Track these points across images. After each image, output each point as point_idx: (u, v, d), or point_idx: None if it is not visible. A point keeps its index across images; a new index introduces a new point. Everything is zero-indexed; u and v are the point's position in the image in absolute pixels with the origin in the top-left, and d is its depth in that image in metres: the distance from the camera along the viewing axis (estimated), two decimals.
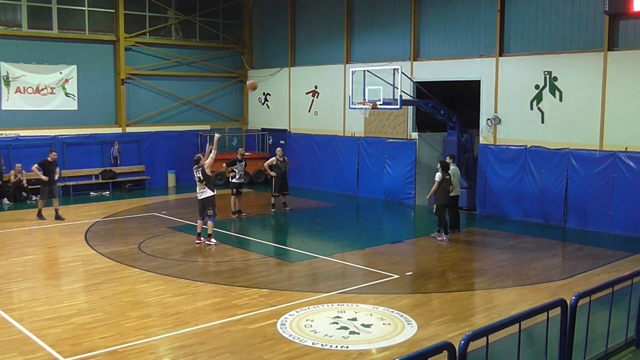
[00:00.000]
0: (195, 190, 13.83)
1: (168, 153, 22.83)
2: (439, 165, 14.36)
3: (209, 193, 13.46)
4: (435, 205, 14.17)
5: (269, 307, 9.49)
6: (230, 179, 16.84)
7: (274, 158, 17.45)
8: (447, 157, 15.34)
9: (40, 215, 16.31)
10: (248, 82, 16.20)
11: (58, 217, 16.36)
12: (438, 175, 14.00)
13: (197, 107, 24.06)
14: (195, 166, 13.62)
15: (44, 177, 15.98)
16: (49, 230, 15.28)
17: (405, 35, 19.39)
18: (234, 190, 16.78)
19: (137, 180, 22.32)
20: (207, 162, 13.39)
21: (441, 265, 12.43)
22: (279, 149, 17.95)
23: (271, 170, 17.48)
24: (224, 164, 17.02)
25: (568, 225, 15.84)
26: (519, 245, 13.87)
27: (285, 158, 17.74)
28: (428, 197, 14.54)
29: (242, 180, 16.97)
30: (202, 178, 13.47)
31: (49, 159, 16.29)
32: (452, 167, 14.89)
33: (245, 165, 17.22)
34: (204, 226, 13.74)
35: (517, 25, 16.79)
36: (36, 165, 16.11)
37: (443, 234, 14.19)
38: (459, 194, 15.16)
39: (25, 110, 20.23)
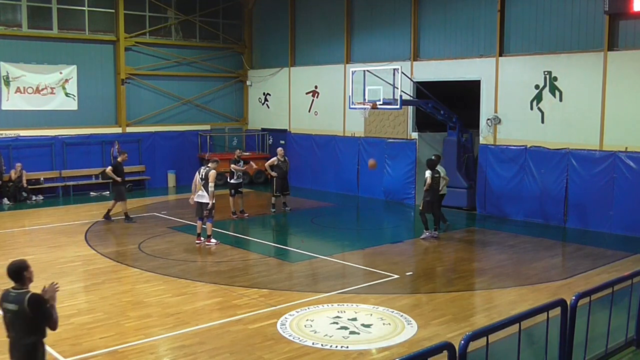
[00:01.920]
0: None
1: (168, 153, 22.82)
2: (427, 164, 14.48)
3: (206, 199, 13.48)
4: (423, 202, 14.23)
5: (269, 307, 9.49)
6: (228, 179, 16.81)
7: (275, 158, 17.44)
8: (433, 156, 15.48)
9: (107, 216, 16.25)
10: (370, 163, 16.41)
11: (129, 219, 16.22)
12: (428, 173, 14.09)
13: (197, 107, 24.05)
14: (204, 166, 13.67)
15: (118, 179, 15.96)
16: (49, 230, 15.28)
17: (405, 35, 19.39)
18: (232, 190, 16.76)
19: (137, 180, 22.31)
20: (212, 178, 13.39)
21: (441, 265, 12.43)
22: (280, 149, 17.94)
23: (272, 170, 17.48)
24: (232, 165, 16.79)
25: (568, 225, 15.84)
26: (519, 245, 13.87)
27: (286, 158, 17.73)
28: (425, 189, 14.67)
29: (241, 181, 16.91)
30: (203, 177, 13.49)
31: (119, 159, 16.28)
32: (439, 167, 15.09)
33: (244, 164, 17.14)
34: (203, 226, 13.76)
35: (517, 25, 16.79)
36: (110, 167, 16.04)
37: (425, 231, 14.24)
38: (445, 192, 15.31)
39: (25, 110, 20.22)
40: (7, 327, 5.49)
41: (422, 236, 14.28)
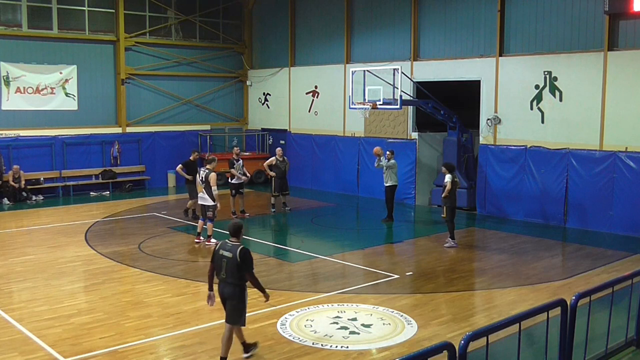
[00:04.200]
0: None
1: (168, 153, 22.80)
2: (444, 168, 13.90)
3: (209, 202, 13.48)
4: (445, 209, 13.58)
5: (269, 307, 9.47)
6: (229, 180, 16.79)
7: (273, 158, 17.45)
8: (387, 152, 16.33)
9: (193, 214, 16.35)
10: (375, 150, 16.54)
11: (195, 216, 16.25)
12: (448, 177, 13.42)
13: (197, 107, 24.05)
14: (205, 167, 13.66)
15: (189, 177, 15.99)
16: (48, 230, 15.28)
17: (405, 35, 19.39)
18: (233, 191, 16.76)
19: (137, 180, 22.33)
20: (214, 181, 13.36)
21: (441, 265, 12.43)
22: (278, 148, 17.94)
23: (271, 170, 17.48)
24: (231, 170, 16.82)
25: (568, 225, 15.84)
26: (519, 245, 13.87)
27: (285, 158, 17.73)
28: (443, 197, 13.64)
29: (242, 181, 16.89)
30: (203, 180, 13.49)
31: (191, 158, 16.32)
32: (392, 162, 16.07)
33: (243, 164, 17.14)
34: (204, 226, 13.76)
35: (517, 25, 16.79)
36: (180, 165, 15.96)
37: (451, 239, 13.64)
38: (396, 183, 16.26)
39: (25, 110, 20.22)
40: (220, 269, 7.24)
41: (447, 245, 13.60)
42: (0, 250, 13.23)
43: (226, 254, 7.19)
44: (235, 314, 7.26)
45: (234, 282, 7.16)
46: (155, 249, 13.32)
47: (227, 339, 7.33)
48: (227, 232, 7.40)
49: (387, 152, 16.49)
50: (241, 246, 7.18)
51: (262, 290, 7.36)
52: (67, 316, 9.08)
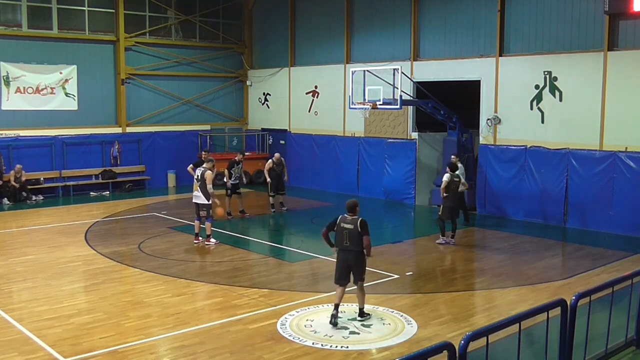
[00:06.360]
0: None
1: (168, 153, 22.82)
2: (448, 167, 14.04)
3: (202, 200, 13.53)
4: (442, 208, 13.73)
5: (269, 307, 9.49)
6: (225, 180, 16.81)
7: (270, 161, 17.55)
8: (452, 156, 15.50)
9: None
10: (217, 209, 14.24)
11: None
12: (446, 176, 13.66)
13: (197, 107, 24.05)
14: (202, 166, 13.68)
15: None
16: (48, 230, 15.27)
17: (405, 35, 19.38)
18: (228, 191, 16.78)
19: (137, 180, 22.32)
20: (209, 180, 13.41)
21: (441, 265, 12.42)
22: (277, 154, 17.95)
23: (269, 174, 17.49)
24: (226, 170, 16.95)
25: (568, 225, 15.84)
26: (519, 245, 13.87)
27: (283, 160, 17.78)
28: (442, 196, 13.77)
29: (237, 182, 16.92)
30: (199, 178, 13.51)
31: (202, 157, 16.35)
32: (459, 166, 15.16)
33: (242, 167, 17.25)
34: (202, 226, 13.77)
35: (517, 25, 16.79)
36: (191, 165, 15.57)
37: (440, 235, 13.85)
38: (466, 187, 15.26)
39: (25, 110, 20.21)
40: (343, 239, 8.79)
41: (438, 241, 13.85)
42: (0, 250, 13.24)
43: (347, 226, 8.72)
44: (361, 271, 8.85)
45: (355, 248, 8.69)
46: (155, 249, 13.32)
47: (361, 294, 8.99)
48: (345, 208, 8.87)
49: (452, 157, 15.63)
50: (360, 218, 8.72)
51: (369, 252, 8.78)
52: (67, 316, 9.08)
